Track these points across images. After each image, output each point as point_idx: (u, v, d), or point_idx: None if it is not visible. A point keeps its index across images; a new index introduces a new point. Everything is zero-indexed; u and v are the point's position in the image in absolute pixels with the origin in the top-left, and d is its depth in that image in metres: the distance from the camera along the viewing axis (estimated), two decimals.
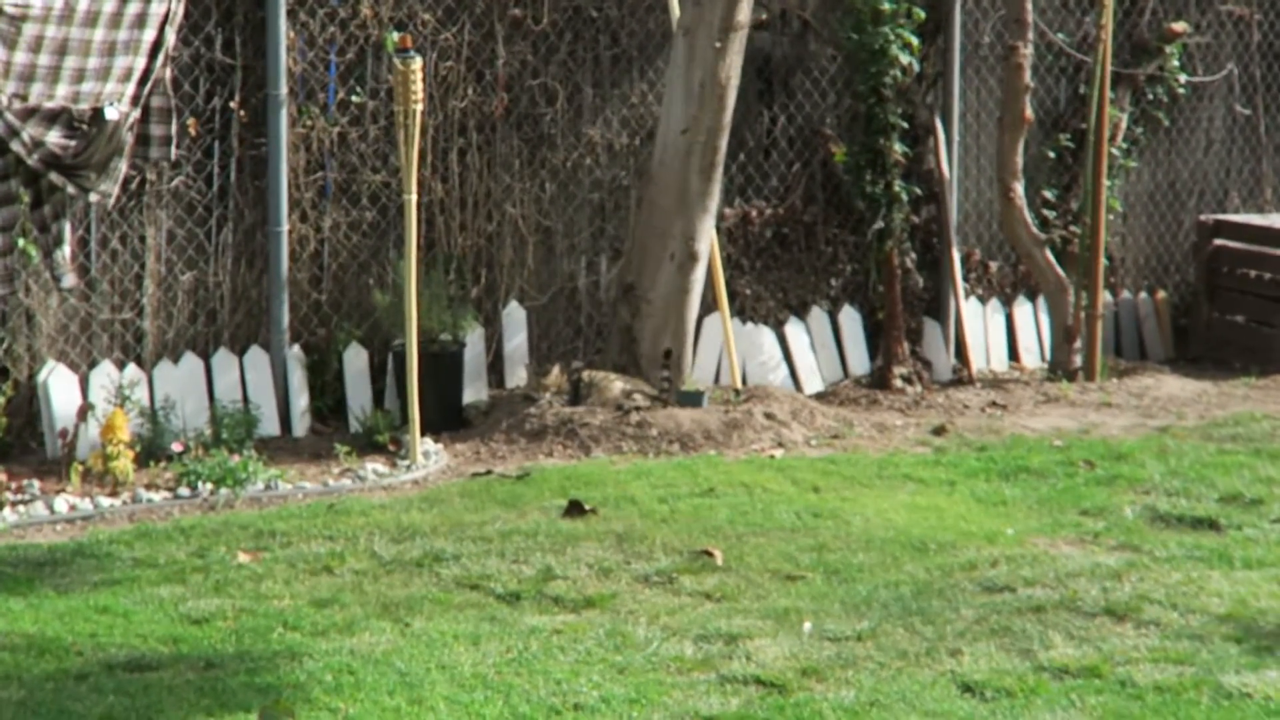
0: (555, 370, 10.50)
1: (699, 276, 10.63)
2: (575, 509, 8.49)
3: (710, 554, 7.87)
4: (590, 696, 6.09)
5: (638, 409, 10.06)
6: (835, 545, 8.07)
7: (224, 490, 8.88)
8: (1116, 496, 9.16)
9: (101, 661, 6.38)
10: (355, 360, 10.45)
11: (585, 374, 10.40)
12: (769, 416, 10.21)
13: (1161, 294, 13.39)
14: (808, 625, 6.94)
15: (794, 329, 11.85)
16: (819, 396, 11.47)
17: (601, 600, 7.25)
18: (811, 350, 11.88)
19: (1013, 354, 12.73)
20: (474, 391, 10.68)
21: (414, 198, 9.46)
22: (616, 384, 10.27)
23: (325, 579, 7.50)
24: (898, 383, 11.66)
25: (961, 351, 12.27)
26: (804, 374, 11.77)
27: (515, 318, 11.03)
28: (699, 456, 9.75)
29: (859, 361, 12.07)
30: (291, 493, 9.00)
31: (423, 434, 9.65)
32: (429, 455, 9.64)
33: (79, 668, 6.32)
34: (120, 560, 7.74)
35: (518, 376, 10.98)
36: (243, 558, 7.77)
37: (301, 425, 10.23)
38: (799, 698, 6.14)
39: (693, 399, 10.33)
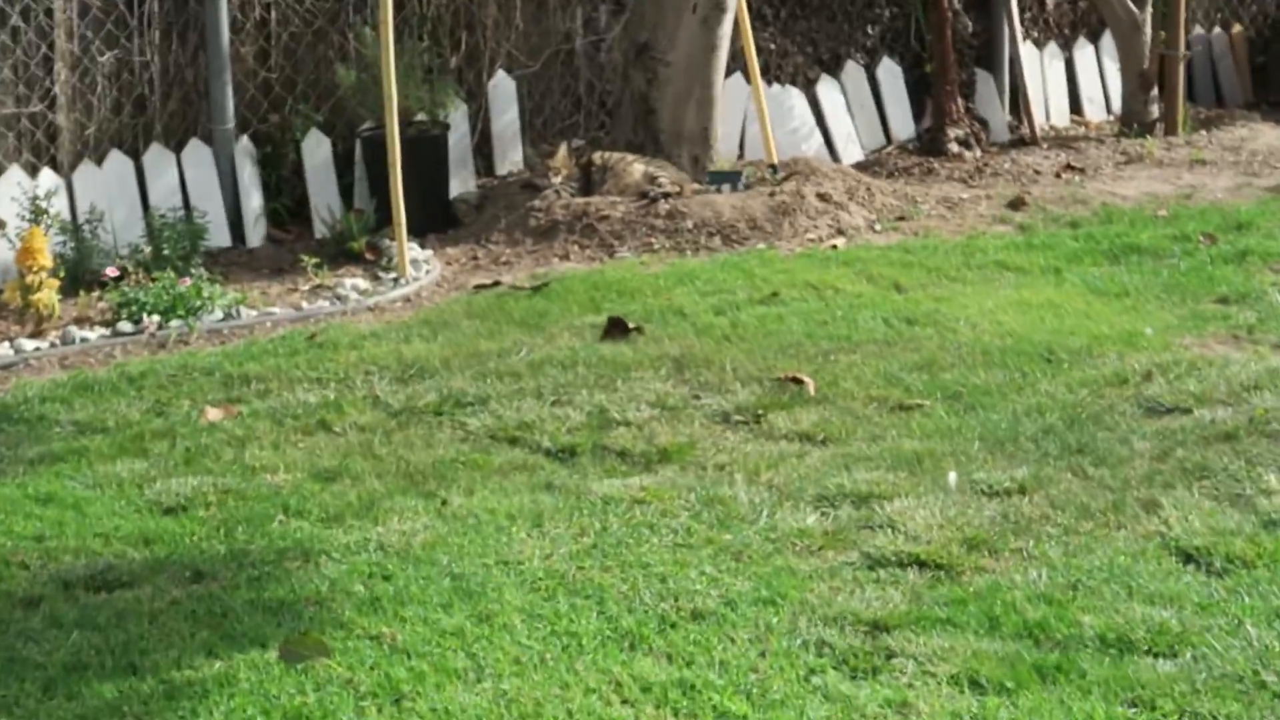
0: (561, 152, 9.10)
1: (726, 31, 9.25)
2: (616, 328, 7.21)
3: (798, 381, 6.62)
4: (709, 599, 4.85)
5: (666, 195, 8.73)
6: (946, 360, 6.84)
7: (175, 323, 7.55)
8: (1254, 277, 7.98)
9: (55, 578, 5.09)
10: (317, 150, 9.05)
11: (598, 155, 9.04)
12: (822, 198, 8.90)
13: (1237, 28, 12.08)
14: (952, 475, 5.71)
15: (827, 88, 10.51)
16: (861, 167, 10.16)
17: (679, 451, 6.00)
18: (848, 112, 10.55)
19: (1074, 106, 11.43)
20: (461, 182, 9.32)
21: None
22: (637, 166, 8.92)
23: (324, 440, 6.21)
24: (953, 147, 10.36)
25: (1017, 105, 10.97)
26: (840, 141, 10.44)
27: (503, 90, 9.63)
28: (748, 252, 8.45)
29: (902, 123, 10.75)
30: (258, 321, 7.67)
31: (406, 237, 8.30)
32: (418, 264, 8.31)
33: (26, 589, 5.03)
34: (59, 426, 6.42)
35: (510, 161, 9.62)
36: (213, 414, 6.46)
37: (257, 233, 8.87)
38: (977, 585, 4.92)
39: (728, 179, 9.02)
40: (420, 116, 9.03)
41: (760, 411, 6.36)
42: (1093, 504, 5.46)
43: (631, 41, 9.28)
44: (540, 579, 5.00)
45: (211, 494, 5.67)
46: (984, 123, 10.66)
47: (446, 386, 6.66)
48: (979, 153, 10.35)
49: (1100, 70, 11.47)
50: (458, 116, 9.29)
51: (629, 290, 7.80)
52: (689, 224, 8.57)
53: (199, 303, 7.62)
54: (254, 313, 7.73)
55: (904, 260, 8.27)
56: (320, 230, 8.87)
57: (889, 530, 5.29)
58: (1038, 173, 10.11)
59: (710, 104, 9.24)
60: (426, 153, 8.92)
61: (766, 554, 5.16)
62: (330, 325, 7.56)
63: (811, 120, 10.35)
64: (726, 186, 8.90)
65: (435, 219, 8.90)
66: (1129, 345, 6.99)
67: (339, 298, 7.92)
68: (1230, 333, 7.23)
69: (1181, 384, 6.51)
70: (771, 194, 8.84)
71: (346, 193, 9.07)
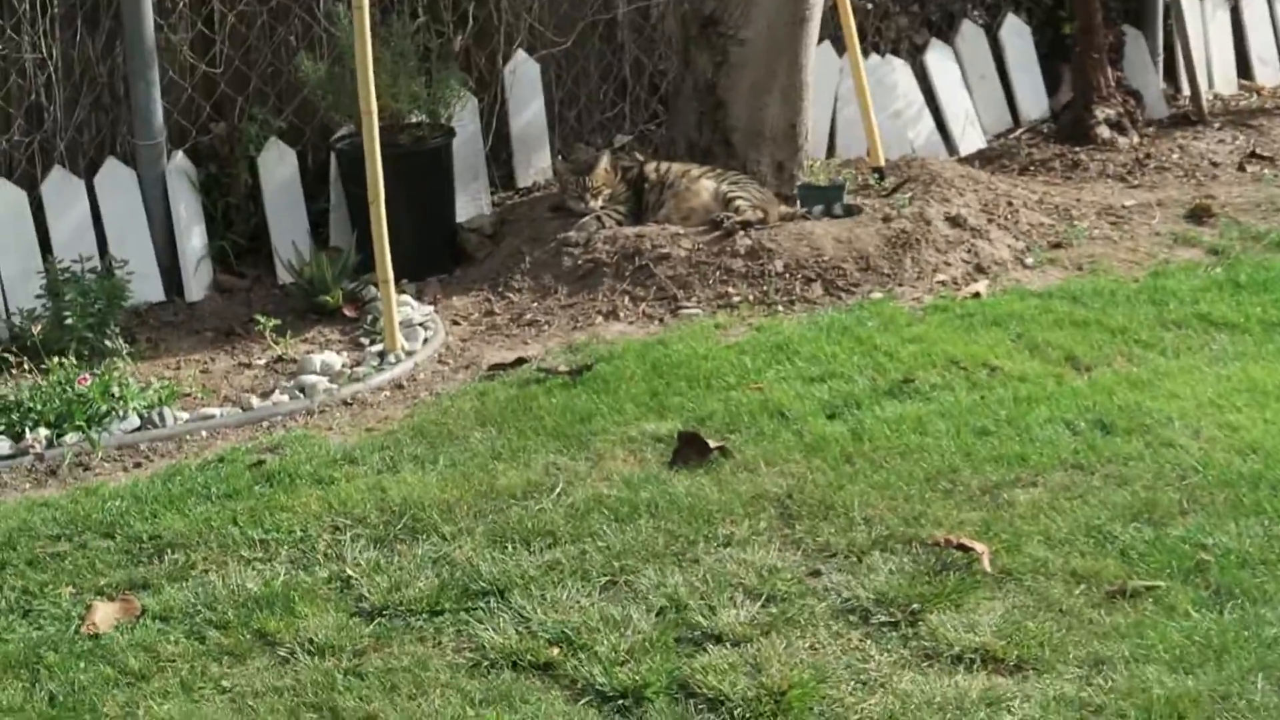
0: (602, 165, 7.01)
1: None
2: (691, 447, 5.21)
3: (964, 547, 4.60)
4: None
5: (746, 225, 6.67)
6: (1170, 500, 4.82)
7: (71, 437, 5.54)
8: None
9: None
10: (277, 168, 7.04)
11: (652, 168, 7.00)
12: (953, 222, 6.84)
13: None
14: None
15: (937, 57, 8.47)
16: (985, 159, 8.19)
17: (802, 697, 4.00)
18: (964, 87, 8.52)
19: (1241, 68, 9.34)
20: (471, 200, 7.30)
21: None
22: (705, 183, 6.87)
23: (261, 673, 4.20)
24: (1103, 130, 8.28)
25: (1175, 70, 8.90)
26: (956, 124, 8.40)
27: (525, 76, 7.58)
28: (860, 305, 6.40)
29: (1033, 99, 8.72)
30: (189, 429, 5.66)
31: (397, 283, 6.27)
32: (413, 330, 6.29)
33: None
34: None
35: (536, 169, 7.61)
36: (103, 616, 4.47)
37: (199, 282, 6.86)
38: None
39: (825, 195, 6.95)
40: (415, 118, 6.98)
41: (915, 606, 4.34)
42: None
43: (693, 11, 7.20)
44: None
45: None
46: (1137, 96, 8.56)
47: (448, 558, 4.67)
48: (1135, 137, 8.28)
49: (1273, 22, 9.41)
50: (465, 115, 7.25)
51: (703, 374, 5.77)
52: (778, 265, 6.52)
53: (106, 408, 5.60)
54: (184, 416, 5.70)
55: (1074, 316, 6.22)
56: (284, 275, 6.86)
57: None
58: (1214, 164, 8.05)
59: (799, 94, 7.19)
60: (424, 167, 6.91)
61: None
62: (288, 438, 5.54)
63: (920, 99, 8.33)
64: (819, 208, 6.84)
65: (437, 256, 6.89)
66: None
67: (302, 389, 5.89)
68: None
69: None
70: (886, 219, 6.78)
71: (320, 222, 7.07)
